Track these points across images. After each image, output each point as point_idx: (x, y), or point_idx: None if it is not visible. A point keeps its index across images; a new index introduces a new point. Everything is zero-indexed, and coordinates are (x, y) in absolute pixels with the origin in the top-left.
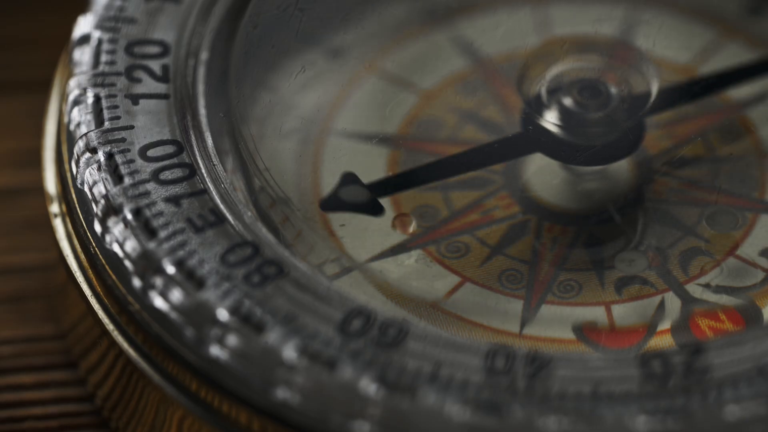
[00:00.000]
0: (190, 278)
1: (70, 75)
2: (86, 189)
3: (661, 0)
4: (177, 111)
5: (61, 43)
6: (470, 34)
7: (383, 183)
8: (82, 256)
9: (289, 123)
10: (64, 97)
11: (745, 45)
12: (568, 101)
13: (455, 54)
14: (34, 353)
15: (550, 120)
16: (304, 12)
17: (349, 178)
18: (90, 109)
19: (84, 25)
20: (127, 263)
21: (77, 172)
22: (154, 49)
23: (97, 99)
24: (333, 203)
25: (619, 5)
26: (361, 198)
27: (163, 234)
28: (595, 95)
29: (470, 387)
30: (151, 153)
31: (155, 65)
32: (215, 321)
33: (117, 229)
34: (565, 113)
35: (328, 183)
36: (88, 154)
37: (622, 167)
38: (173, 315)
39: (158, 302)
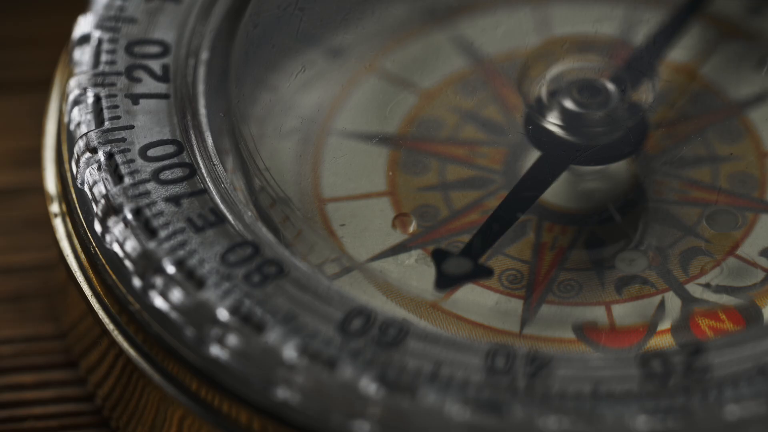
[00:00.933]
0: (190, 278)
1: (70, 75)
2: (86, 189)
3: (661, 0)
4: (177, 111)
5: (61, 42)
6: (470, 33)
7: (473, 247)
8: (82, 256)
9: (289, 123)
10: (64, 96)
11: (745, 45)
12: (568, 101)
13: (455, 54)
14: (34, 353)
15: (551, 120)
16: (304, 12)
17: (440, 254)
18: (90, 109)
19: (84, 24)
20: (127, 263)
21: (77, 171)
22: (154, 49)
23: (97, 99)
24: (447, 282)
25: (619, 5)
26: (466, 267)
27: (163, 234)
28: (595, 95)
29: (470, 386)
30: (151, 153)
31: (155, 65)
32: (215, 321)
33: (117, 228)
34: (565, 113)
35: (328, 183)
36: (88, 154)
37: (622, 167)
38: (173, 315)
39: (158, 302)
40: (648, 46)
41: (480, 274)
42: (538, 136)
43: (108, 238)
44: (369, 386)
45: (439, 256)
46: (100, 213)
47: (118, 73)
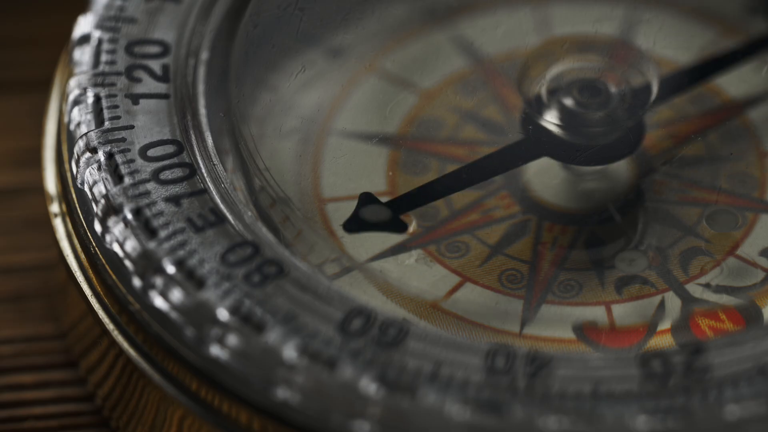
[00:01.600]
0: (190, 278)
1: (70, 75)
2: (86, 189)
3: (661, 0)
4: (177, 111)
5: (61, 42)
6: (470, 33)
7: (401, 200)
8: (82, 256)
9: (289, 123)
10: (64, 96)
11: (745, 45)
12: (568, 101)
13: (455, 54)
14: (34, 353)
15: (551, 120)
16: (304, 12)
17: (367, 198)
18: (90, 109)
19: (84, 24)
20: (127, 263)
21: (77, 171)
22: (154, 49)
23: (97, 99)
24: (356, 224)
25: (619, 5)
26: (382, 216)
27: (163, 234)
28: (595, 95)
29: (470, 386)
30: (151, 153)
31: (155, 65)
32: (215, 321)
33: (117, 228)
34: (565, 113)
35: (328, 183)
36: (88, 154)
37: (622, 167)
38: (173, 315)
39: (158, 302)
40: (699, 66)
41: (394, 226)
42: (537, 136)
43: (108, 238)
44: (369, 386)
45: (363, 200)
46: (100, 213)
47: (118, 73)
